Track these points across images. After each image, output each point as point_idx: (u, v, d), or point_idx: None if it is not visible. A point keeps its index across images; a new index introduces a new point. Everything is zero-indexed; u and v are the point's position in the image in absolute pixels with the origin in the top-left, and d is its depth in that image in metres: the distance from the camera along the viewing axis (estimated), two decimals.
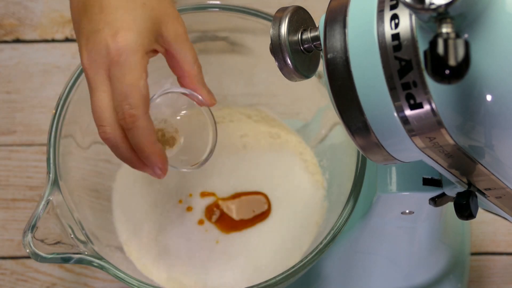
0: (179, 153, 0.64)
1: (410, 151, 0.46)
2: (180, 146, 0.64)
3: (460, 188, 0.53)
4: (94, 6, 0.58)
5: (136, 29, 0.57)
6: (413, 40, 0.42)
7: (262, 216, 0.73)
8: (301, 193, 0.73)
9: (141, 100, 0.56)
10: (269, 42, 0.52)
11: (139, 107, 0.56)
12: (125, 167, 0.75)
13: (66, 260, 0.62)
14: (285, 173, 0.74)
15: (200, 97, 0.63)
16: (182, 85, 0.63)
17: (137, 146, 0.58)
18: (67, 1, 0.89)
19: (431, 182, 0.58)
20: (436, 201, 0.58)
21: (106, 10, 0.57)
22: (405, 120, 0.44)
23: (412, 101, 0.43)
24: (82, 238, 0.63)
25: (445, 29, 0.38)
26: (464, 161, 0.46)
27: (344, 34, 0.45)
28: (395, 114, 0.44)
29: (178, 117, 0.65)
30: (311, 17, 0.54)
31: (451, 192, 0.57)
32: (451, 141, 0.44)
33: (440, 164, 0.48)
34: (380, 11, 0.43)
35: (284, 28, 0.51)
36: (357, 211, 0.64)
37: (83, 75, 0.68)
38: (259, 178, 0.74)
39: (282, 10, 0.52)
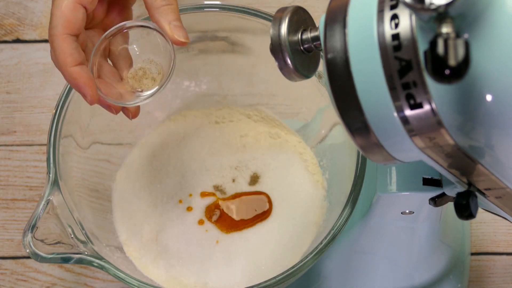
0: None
1: (410, 151, 0.46)
2: (160, 90, 0.60)
3: (460, 188, 0.53)
4: None
5: None
6: (413, 40, 0.42)
7: (263, 215, 0.73)
8: (301, 193, 0.73)
9: (60, 20, 0.57)
10: (269, 42, 0.52)
11: (56, 27, 0.57)
12: (125, 167, 0.75)
13: (66, 260, 0.62)
14: (285, 173, 0.74)
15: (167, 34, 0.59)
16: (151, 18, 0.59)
17: (57, 66, 0.58)
18: None
19: (431, 182, 0.58)
20: (436, 201, 0.58)
21: None
22: (405, 120, 0.44)
23: (412, 101, 0.43)
24: (82, 238, 0.63)
25: (445, 29, 0.38)
26: (464, 161, 0.46)
27: (344, 34, 0.45)
28: (395, 114, 0.44)
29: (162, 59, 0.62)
30: (311, 17, 0.54)
31: (451, 192, 0.57)
32: (451, 141, 0.44)
33: (440, 164, 0.48)
34: (380, 11, 0.43)
35: (284, 28, 0.51)
36: (357, 211, 0.64)
37: None
38: (259, 178, 0.74)
39: (282, 10, 0.52)
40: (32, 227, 0.61)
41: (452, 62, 0.37)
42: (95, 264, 0.62)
